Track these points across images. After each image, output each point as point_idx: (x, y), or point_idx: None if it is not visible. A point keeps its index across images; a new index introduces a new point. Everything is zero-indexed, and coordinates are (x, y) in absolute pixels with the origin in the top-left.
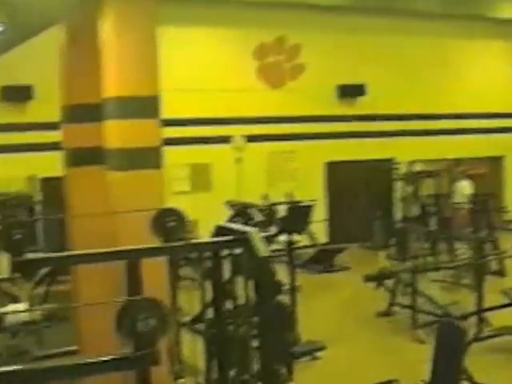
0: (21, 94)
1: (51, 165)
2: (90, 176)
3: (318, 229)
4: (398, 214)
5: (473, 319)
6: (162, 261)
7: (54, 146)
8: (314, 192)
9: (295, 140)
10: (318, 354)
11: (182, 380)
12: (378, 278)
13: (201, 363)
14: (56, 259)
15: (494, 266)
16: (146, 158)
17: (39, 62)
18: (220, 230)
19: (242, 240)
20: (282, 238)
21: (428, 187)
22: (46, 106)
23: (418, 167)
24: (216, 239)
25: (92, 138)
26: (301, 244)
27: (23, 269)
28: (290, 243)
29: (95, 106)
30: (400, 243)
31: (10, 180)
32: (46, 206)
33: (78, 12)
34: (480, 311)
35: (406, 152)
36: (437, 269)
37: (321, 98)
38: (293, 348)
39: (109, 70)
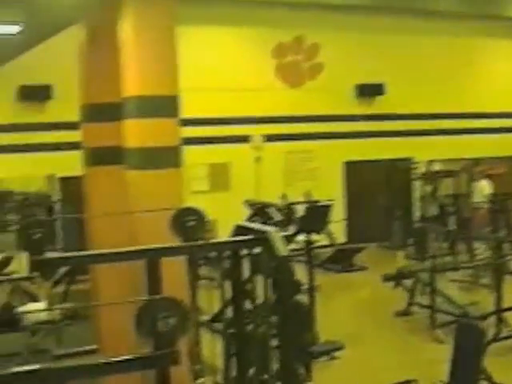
0: (40, 94)
1: (70, 164)
2: (110, 175)
3: (337, 228)
4: (416, 213)
5: (492, 319)
6: (181, 260)
7: (72, 146)
8: (333, 191)
9: (314, 139)
10: (337, 353)
11: (201, 379)
12: (397, 278)
13: (219, 362)
14: (76, 258)
15: None
16: (166, 158)
17: (58, 61)
18: (239, 230)
19: (262, 239)
20: (301, 237)
21: (447, 187)
22: (65, 106)
23: (436, 167)
24: (236, 238)
25: (111, 138)
26: (319, 244)
27: (42, 268)
28: (309, 243)
29: (115, 106)
30: (418, 243)
31: (29, 179)
32: (65, 205)
33: (97, 11)
34: (499, 311)
35: (425, 151)
36: (455, 269)
37: (339, 97)
38: (311, 348)
39: (128, 70)
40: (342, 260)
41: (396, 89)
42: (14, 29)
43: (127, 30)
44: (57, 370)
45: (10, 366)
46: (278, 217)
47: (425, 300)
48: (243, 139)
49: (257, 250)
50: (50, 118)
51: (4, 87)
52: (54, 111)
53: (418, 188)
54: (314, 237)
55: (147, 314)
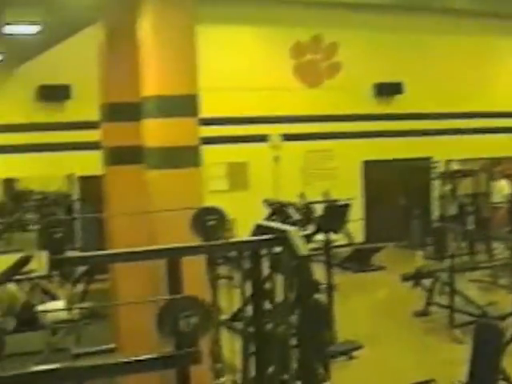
0: (59, 94)
1: (89, 164)
2: (129, 175)
3: (355, 228)
4: (435, 213)
5: (511, 319)
6: (200, 259)
7: (91, 145)
8: (351, 191)
9: (332, 139)
10: (355, 353)
11: (222, 379)
12: (416, 278)
13: (238, 362)
14: (96, 257)
15: None
16: (185, 157)
17: (77, 61)
18: (259, 229)
19: (282, 239)
20: (319, 236)
21: (466, 186)
22: (84, 106)
23: (455, 166)
24: (256, 238)
25: (131, 137)
26: (337, 243)
27: (62, 267)
28: (327, 242)
29: (134, 105)
30: (437, 242)
31: (48, 179)
32: (84, 204)
33: (116, 11)
34: None
35: (444, 151)
36: (474, 268)
37: (358, 96)
38: (330, 347)
39: (147, 69)
40: (360, 259)
41: (414, 88)
42: (34, 29)
43: (146, 30)
44: (77, 369)
45: (30, 364)
46: (296, 216)
47: (443, 300)
48: (262, 138)
49: (277, 249)
50: (69, 118)
51: (23, 87)
52: (73, 111)
53: (437, 187)
54: (333, 236)
55: (169, 313)
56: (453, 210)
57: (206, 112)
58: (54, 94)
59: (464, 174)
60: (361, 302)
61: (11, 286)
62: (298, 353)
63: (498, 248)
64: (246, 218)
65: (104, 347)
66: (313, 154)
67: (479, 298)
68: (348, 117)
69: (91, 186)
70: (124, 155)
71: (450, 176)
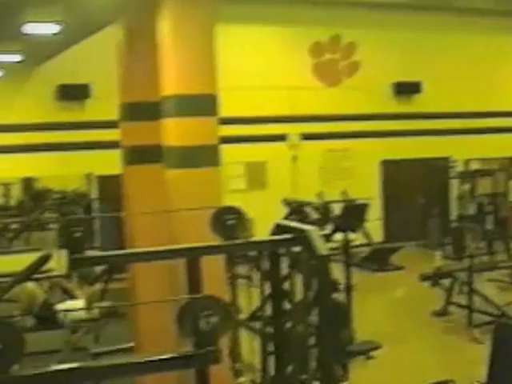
0: (78, 93)
1: (108, 163)
2: (148, 174)
3: (374, 227)
4: (453, 212)
5: None
6: (219, 259)
7: (110, 145)
8: (369, 190)
9: (351, 138)
10: (373, 353)
11: (242, 378)
12: (434, 277)
13: (257, 361)
14: (116, 257)
15: None
16: (205, 156)
17: (96, 60)
18: (279, 228)
19: (302, 238)
20: (338, 236)
21: (485, 186)
22: (103, 105)
23: (474, 166)
24: (275, 237)
25: (150, 136)
26: (356, 243)
27: (82, 266)
28: (346, 242)
29: (153, 104)
30: (456, 242)
31: (67, 178)
32: (103, 203)
33: (135, 10)
34: None
35: (463, 150)
36: (493, 268)
37: (376, 95)
38: (348, 347)
39: (167, 68)
40: (378, 259)
41: (433, 87)
42: (54, 28)
43: (166, 29)
44: (96, 367)
45: (49, 363)
46: (314, 216)
47: (462, 300)
48: (280, 138)
49: (295, 248)
50: (88, 117)
51: (43, 86)
52: (92, 110)
53: (456, 187)
54: (351, 236)
55: (189, 313)
56: (471, 209)
57: (224, 111)
58: (73, 93)
59: (483, 173)
60: (379, 302)
61: (30, 285)
62: (317, 352)
63: None
64: (264, 217)
65: (122, 346)
66: (331, 154)
67: (498, 298)
68: (366, 116)
69: (110, 185)
70: (143, 154)
71: (469, 175)
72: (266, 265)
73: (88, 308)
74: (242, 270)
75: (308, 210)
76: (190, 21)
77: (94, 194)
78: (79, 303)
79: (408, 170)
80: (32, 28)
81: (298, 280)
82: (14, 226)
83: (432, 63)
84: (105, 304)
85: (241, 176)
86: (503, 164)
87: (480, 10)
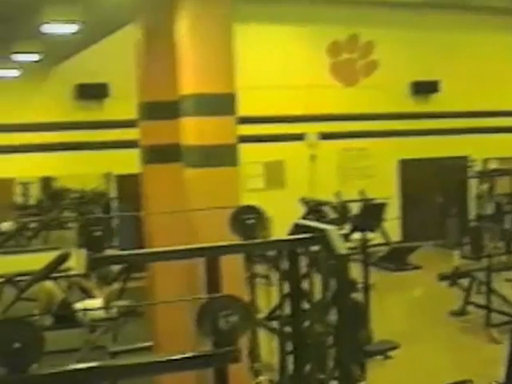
0: (97, 92)
1: (126, 162)
2: (167, 173)
3: (391, 227)
4: (472, 212)
5: None
6: (238, 258)
7: (128, 144)
8: (387, 190)
9: (368, 137)
10: (391, 353)
11: (261, 377)
12: (452, 277)
13: (274, 360)
14: (136, 256)
15: None
16: (223, 156)
17: (114, 59)
18: (298, 228)
19: (321, 238)
20: (356, 235)
21: (503, 185)
22: (122, 104)
23: (493, 165)
24: (295, 237)
25: (169, 136)
26: (374, 242)
27: (101, 265)
28: (364, 241)
29: (172, 104)
30: (474, 242)
31: (86, 177)
32: (122, 203)
33: (153, 9)
34: None
35: (481, 149)
36: (511, 268)
37: (394, 95)
38: (366, 347)
39: (185, 67)
40: (396, 259)
41: (451, 86)
42: (72, 28)
43: (184, 28)
44: (116, 367)
45: (67, 362)
46: (332, 215)
47: (480, 299)
48: (298, 137)
49: (314, 248)
50: (107, 116)
51: (61, 86)
52: (111, 109)
53: (474, 186)
54: (369, 235)
55: (208, 312)
56: (490, 209)
57: (243, 111)
58: (91, 92)
59: (501, 172)
60: (397, 302)
61: (49, 284)
62: (335, 352)
63: None
64: (281, 216)
65: (141, 345)
66: (349, 153)
67: None
68: (384, 115)
69: (128, 184)
70: (162, 154)
71: (487, 175)
72: (284, 264)
73: (106, 308)
74: (259, 269)
75: (326, 209)
76: (209, 20)
77: (113, 193)
78: (97, 302)
79: (426, 169)
80: (50, 28)
81: (317, 279)
82: (33, 224)
83: (450, 62)
84: (123, 303)
85: (259, 175)
86: None
87: (497, 8)
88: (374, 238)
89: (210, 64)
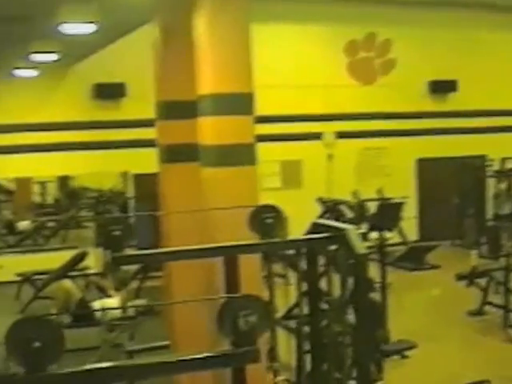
0: (114, 92)
1: (144, 161)
2: (185, 172)
3: (409, 226)
4: (490, 211)
5: None
6: (255, 257)
7: (146, 143)
8: (405, 189)
9: (386, 136)
10: (408, 352)
11: (281, 377)
12: (470, 277)
13: (291, 360)
14: (156, 255)
15: None
16: (241, 155)
17: (132, 59)
18: (316, 227)
19: (340, 237)
20: (373, 235)
21: None
22: (139, 103)
23: (510, 164)
24: (313, 236)
25: (187, 135)
26: (391, 241)
27: (121, 264)
28: (381, 240)
29: (189, 103)
30: (492, 241)
31: (103, 176)
32: (139, 202)
33: (171, 9)
34: None
35: (499, 149)
36: None
37: (412, 93)
38: (383, 346)
39: (203, 67)
40: (414, 258)
41: (469, 85)
42: (90, 28)
43: (201, 27)
44: (136, 366)
45: (85, 361)
46: (350, 214)
47: (498, 299)
48: (315, 136)
49: (332, 247)
50: (124, 116)
51: (79, 85)
52: (128, 109)
53: (492, 186)
54: (387, 234)
55: (228, 312)
56: (508, 208)
57: (260, 110)
58: (109, 92)
59: None
60: (414, 301)
61: (67, 283)
62: (352, 352)
63: None
64: (298, 215)
65: (158, 344)
66: (366, 152)
67: None
68: (402, 114)
69: (146, 183)
70: (179, 153)
71: (505, 174)
72: (302, 263)
73: (123, 307)
74: (276, 268)
75: (343, 208)
76: (226, 19)
77: (130, 192)
78: (115, 301)
79: (444, 168)
80: (69, 27)
81: (335, 279)
82: (51, 224)
83: (468, 61)
84: (141, 302)
85: (276, 174)
86: None
87: None
88: (392, 237)
89: (228, 63)
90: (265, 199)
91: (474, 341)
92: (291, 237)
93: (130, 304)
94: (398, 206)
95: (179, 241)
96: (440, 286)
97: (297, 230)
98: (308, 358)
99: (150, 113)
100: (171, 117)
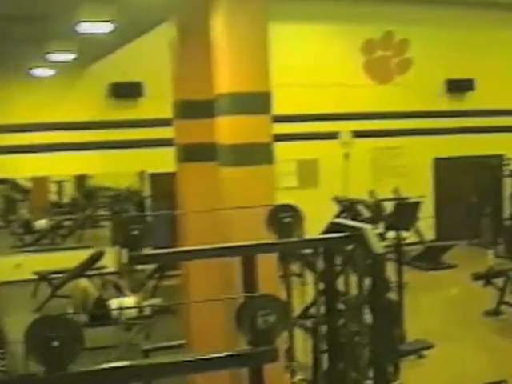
0: (131, 91)
1: (160, 161)
2: (202, 172)
3: (425, 226)
4: (507, 211)
5: None
6: (272, 256)
7: (163, 142)
8: (422, 188)
9: (403, 136)
10: (425, 352)
11: (299, 377)
12: (487, 277)
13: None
14: (173, 254)
15: None
16: (258, 154)
17: (149, 58)
18: (333, 226)
19: (357, 236)
20: (390, 234)
21: None
22: (156, 103)
23: None
24: (331, 235)
25: (204, 134)
26: (408, 241)
27: (140, 263)
28: (398, 240)
29: (207, 102)
30: (509, 241)
31: (120, 176)
32: (155, 201)
33: (188, 8)
34: None
35: None
36: None
37: (428, 93)
38: (400, 346)
39: (221, 66)
40: (430, 258)
41: (486, 84)
42: (107, 27)
43: (219, 27)
44: (153, 365)
45: (101, 360)
46: (366, 214)
47: None
48: (331, 135)
49: (349, 246)
50: (141, 115)
51: (96, 85)
52: (145, 108)
53: (509, 185)
54: (403, 234)
55: (247, 311)
56: None
57: (277, 109)
58: (126, 91)
59: None
60: (431, 301)
61: (84, 282)
62: (369, 351)
63: None
64: (315, 215)
65: (174, 343)
66: (383, 151)
67: None
68: (419, 113)
69: (163, 183)
70: (197, 152)
71: None
72: (320, 263)
73: (140, 307)
74: (292, 267)
75: (360, 208)
76: (244, 18)
77: (147, 191)
78: (131, 300)
79: (461, 167)
80: (86, 27)
81: (351, 278)
82: (67, 223)
83: (485, 60)
84: (157, 302)
85: (292, 174)
86: None
87: None
88: (408, 236)
89: (245, 62)
90: (281, 199)
91: (491, 341)
92: (308, 236)
93: (146, 303)
94: (414, 206)
95: (196, 240)
96: (456, 286)
97: (313, 229)
98: (324, 358)
99: (167, 112)
100: (188, 116)
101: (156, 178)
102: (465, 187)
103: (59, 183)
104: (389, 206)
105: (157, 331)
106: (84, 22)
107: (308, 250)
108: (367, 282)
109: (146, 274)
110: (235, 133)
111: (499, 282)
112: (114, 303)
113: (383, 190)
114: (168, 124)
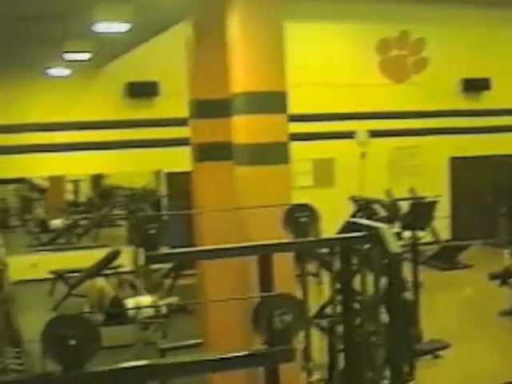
0: (147, 91)
1: (176, 160)
2: (218, 171)
3: (441, 225)
4: None
5: None
6: (288, 256)
7: (179, 142)
8: (438, 188)
9: (419, 135)
10: (441, 352)
11: (315, 376)
12: (503, 276)
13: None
14: (190, 254)
15: None
16: (275, 154)
17: (165, 58)
18: (349, 226)
19: (374, 236)
20: (406, 234)
21: None
22: (171, 102)
23: None
24: (348, 235)
25: (220, 134)
26: (424, 240)
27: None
28: (414, 239)
29: (223, 101)
30: None
31: (136, 175)
32: (171, 200)
33: (204, 8)
34: None
35: None
36: None
37: (445, 92)
38: (416, 346)
39: (237, 65)
40: (446, 257)
41: (503, 83)
42: (124, 27)
43: (235, 26)
44: (170, 365)
45: (117, 359)
46: (383, 213)
47: None
48: (348, 135)
49: (365, 246)
50: (157, 115)
51: (112, 84)
52: (161, 108)
53: None
54: (419, 233)
55: (263, 311)
56: None
57: (293, 108)
58: (142, 90)
59: None
60: (447, 301)
61: (100, 281)
62: (385, 351)
63: None
64: (331, 214)
65: (190, 342)
66: (399, 151)
67: None
68: (435, 113)
69: (179, 182)
70: (213, 152)
71: None
72: (336, 262)
73: (156, 306)
74: (308, 266)
75: (376, 207)
76: (259, 18)
77: (163, 190)
78: (148, 299)
79: (477, 167)
80: (102, 26)
81: (368, 277)
82: (83, 222)
83: (501, 59)
84: (174, 300)
85: (308, 173)
86: None
87: None
88: (424, 236)
89: (261, 62)
90: (297, 198)
91: (506, 341)
92: (325, 235)
93: (162, 302)
94: (430, 205)
95: (212, 239)
96: (472, 286)
97: (329, 228)
98: (341, 357)
99: (183, 111)
100: (204, 115)
101: (172, 177)
102: (481, 187)
103: (75, 182)
104: (405, 206)
105: (173, 330)
106: (101, 21)
107: (324, 250)
108: (383, 281)
109: (162, 273)
110: (251, 132)
111: None
112: (130, 302)
113: (399, 190)
114: (184, 123)
